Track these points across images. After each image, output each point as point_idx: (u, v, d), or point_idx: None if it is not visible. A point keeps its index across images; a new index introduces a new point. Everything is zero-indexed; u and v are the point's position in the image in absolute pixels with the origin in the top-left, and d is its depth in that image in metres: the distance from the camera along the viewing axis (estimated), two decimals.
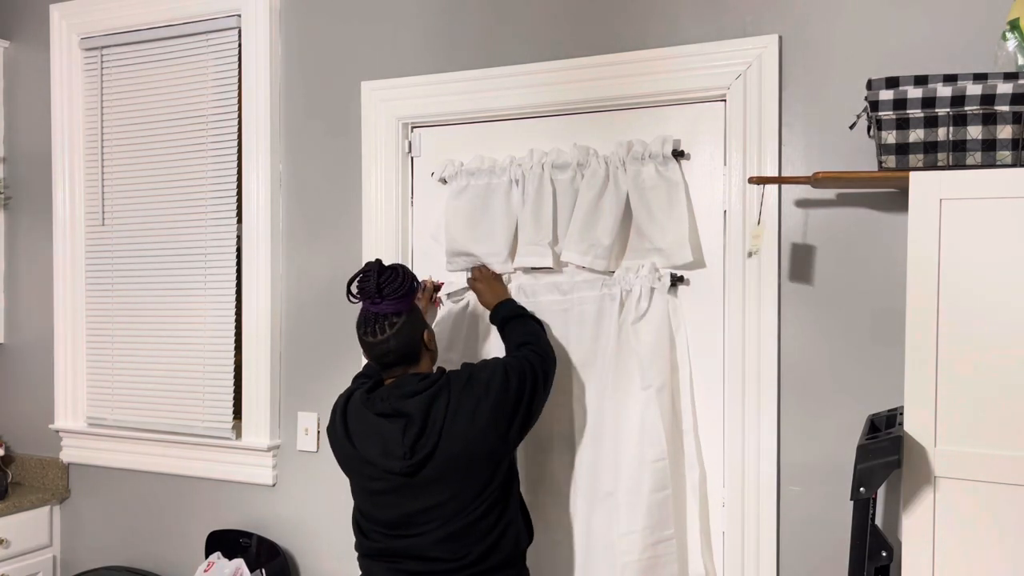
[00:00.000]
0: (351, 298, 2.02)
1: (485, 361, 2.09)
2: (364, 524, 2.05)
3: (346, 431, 2.03)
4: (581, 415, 2.30)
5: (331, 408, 2.12)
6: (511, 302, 2.29)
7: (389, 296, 1.96)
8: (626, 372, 2.23)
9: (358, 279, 2.01)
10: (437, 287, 2.45)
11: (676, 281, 2.24)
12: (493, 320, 2.28)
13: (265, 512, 2.82)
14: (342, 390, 2.16)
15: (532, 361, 2.04)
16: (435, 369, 2.05)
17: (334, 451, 2.08)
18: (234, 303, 2.83)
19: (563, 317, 2.32)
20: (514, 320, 2.21)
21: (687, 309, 2.26)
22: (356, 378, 2.24)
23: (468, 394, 1.94)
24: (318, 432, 2.72)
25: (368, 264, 2.03)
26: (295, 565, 2.77)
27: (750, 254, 2.13)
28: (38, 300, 3.19)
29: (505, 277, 2.42)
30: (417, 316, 2.04)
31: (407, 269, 2.03)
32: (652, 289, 2.22)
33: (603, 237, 2.24)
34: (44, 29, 3.14)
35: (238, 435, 2.83)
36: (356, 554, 2.09)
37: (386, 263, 2.03)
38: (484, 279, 2.37)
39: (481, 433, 1.92)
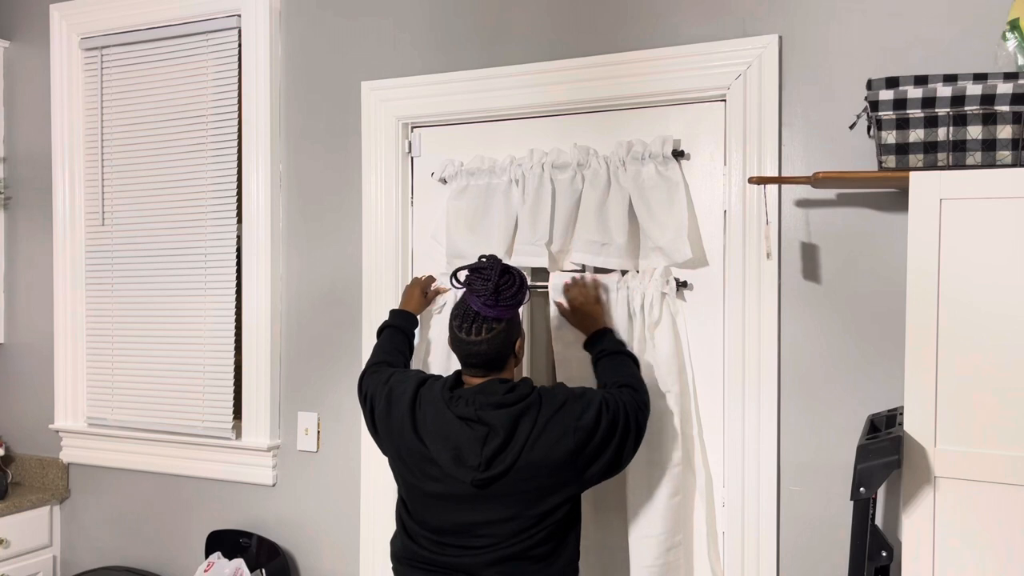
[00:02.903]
0: (455, 283, 1.95)
1: (585, 389, 1.94)
2: (412, 527, 1.94)
3: (414, 423, 1.90)
4: None
5: (382, 391, 1.99)
6: (612, 334, 2.16)
7: (503, 303, 1.87)
8: None
9: (474, 271, 1.90)
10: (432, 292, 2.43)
11: (680, 286, 2.24)
12: (590, 348, 2.16)
13: (265, 512, 2.82)
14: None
15: (629, 408, 1.91)
16: (520, 377, 1.96)
17: (389, 440, 1.95)
18: (234, 303, 2.83)
19: None
20: (614, 355, 2.10)
21: (688, 309, 2.25)
22: (379, 364, 2.13)
23: (557, 421, 1.83)
24: (318, 432, 2.72)
25: (490, 259, 1.92)
26: (295, 565, 2.77)
27: (768, 255, 2.12)
28: (38, 300, 3.19)
29: None
30: (515, 323, 1.93)
31: (523, 276, 1.93)
32: (663, 295, 2.20)
33: (617, 235, 2.22)
34: (44, 29, 3.15)
35: (238, 435, 2.83)
36: (391, 558, 1.99)
37: (503, 261, 1.92)
38: (588, 300, 2.20)
39: (557, 465, 1.82)
